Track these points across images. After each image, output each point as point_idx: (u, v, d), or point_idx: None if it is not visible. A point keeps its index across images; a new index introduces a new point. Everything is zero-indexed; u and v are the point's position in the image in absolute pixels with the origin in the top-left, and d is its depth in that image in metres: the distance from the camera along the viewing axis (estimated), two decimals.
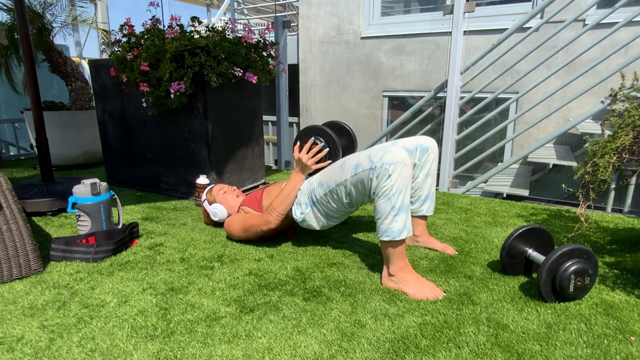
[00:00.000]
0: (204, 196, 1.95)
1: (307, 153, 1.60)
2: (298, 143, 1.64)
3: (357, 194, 1.44)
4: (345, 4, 4.17)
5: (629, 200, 2.64)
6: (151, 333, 1.13)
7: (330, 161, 1.64)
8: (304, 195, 1.61)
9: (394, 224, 1.32)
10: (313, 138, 1.63)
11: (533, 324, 1.15)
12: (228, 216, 1.86)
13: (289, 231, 1.82)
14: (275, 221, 1.60)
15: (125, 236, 1.70)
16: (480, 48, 2.99)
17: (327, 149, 1.63)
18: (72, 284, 1.41)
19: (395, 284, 1.36)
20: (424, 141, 1.61)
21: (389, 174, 1.31)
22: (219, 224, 1.93)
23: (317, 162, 1.62)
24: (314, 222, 1.61)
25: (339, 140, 1.64)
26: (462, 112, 2.77)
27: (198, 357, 1.03)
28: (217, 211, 1.84)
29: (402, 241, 1.35)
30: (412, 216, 1.68)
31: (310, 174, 1.65)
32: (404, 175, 1.32)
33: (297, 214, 1.62)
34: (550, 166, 2.96)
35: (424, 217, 1.71)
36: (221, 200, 1.87)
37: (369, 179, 1.36)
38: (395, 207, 1.31)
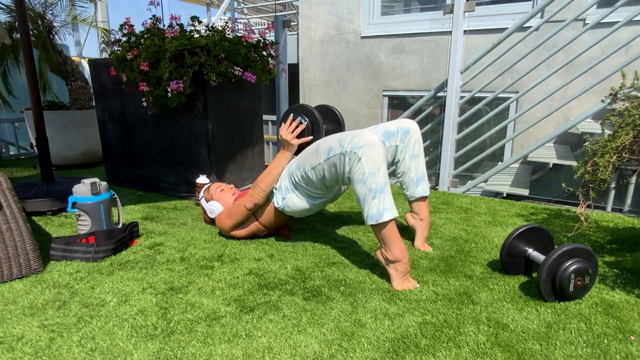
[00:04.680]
0: (201, 194, 1.96)
1: (288, 129, 1.64)
2: (282, 124, 1.68)
3: (331, 177, 1.47)
4: (345, 4, 4.17)
5: (629, 200, 2.63)
6: (151, 332, 1.13)
7: (312, 137, 1.67)
8: (284, 180, 1.62)
9: (374, 207, 1.34)
10: (292, 115, 1.67)
11: (533, 324, 1.15)
12: None
13: (284, 230, 1.83)
14: (258, 196, 1.62)
15: (125, 236, 1.70)
16: (480, 47, 2.98)
17: (306, 123, 1.65)
18: (72, 283, 1.41)
19: (387, 266, 1.39)
20: (405, 124, 1.66)
21: (358, 157, 1.34)
22: None
23: (298, 138, 1.65)
24: (298, 206, 1.61)
25: (321, 117, 1.66)
26: (462, 111, 2.77)
27: (198, 356, 1.03)
28: (214, 208, 1.85)
29: (390, 223, 1.35)
30: (412, 201, 1.73)
31: (296, 153, 1.67)
32: (373, 156, 1.33)
33: (278, 202, 1.63)
34: (551, 165, 2.96)
35: (423, 199, 1.72)
36: (218, 198, 1.88)
37: (341, 163, 1.39)
38: (372, 190, 1.33)
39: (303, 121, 1.65)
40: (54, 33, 3.36)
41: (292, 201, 1.60)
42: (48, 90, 3.71)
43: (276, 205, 1.64)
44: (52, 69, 3.41)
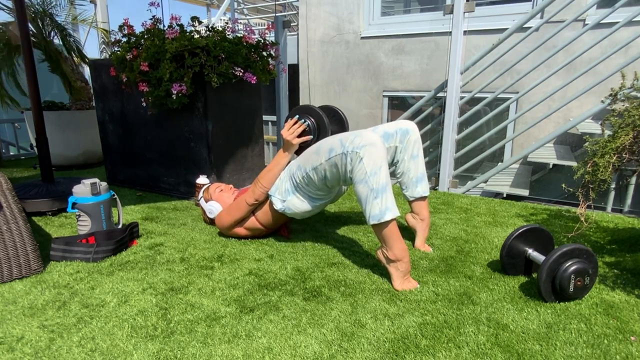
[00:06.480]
0: (200, 194, 1.96)
1: (289, 130, 1.64)
2: (285, 123, 1.69)
3: (332, 177, 1.47)
4: (345, 4, 4.17)
5: (629, 200, 2.63)
6: (151, 333, 1.13)
7: (311, 137, 1.67)
8: (284, 182, 1.62)
9: (376, 206, 1.34)
10: (297, 116, 1.67)
11: (533, 324, 1.15)
12: None
13: (283, 230, 1.83)
14: (259, 192, 1.63)
15: (125, 236, 1.70)
16: (480, 48, 2.99)
17: (307, 123, 1.65)
18: (72, 283, 1.41)
19: (388, 265, 1.40)
20: (403, 124, 1.67)
21: (360, 157, 1.34)
22: None
23: (299, 137, 1.65)
24: (299, 207, 1.61)
25: (327, 118, 1.66)
26: (462, 111, 2.77)
27: (198, 357, 1.03)
28: (213, 209, 1.85)
29: (391, 222, 1.36)
30: (412, 201, 1.74)
31: (297, 153, 1.68)
32: (375, 156, 1.34)
33: (278, 205, 1.62)
34: (550, 166, 2.96)
35: (423, 199, 1.73)
36: (217, 198, 1.88)
37: (342, 163, 1.39)
38: (374, 190, 1.34)
39: (305, 121, 1.66)
40: (61, 31, 3.34)
41: (293, 203, 1.60)
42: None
43: (276, 208, 1.63)
44: (53, 69, 3.40)
